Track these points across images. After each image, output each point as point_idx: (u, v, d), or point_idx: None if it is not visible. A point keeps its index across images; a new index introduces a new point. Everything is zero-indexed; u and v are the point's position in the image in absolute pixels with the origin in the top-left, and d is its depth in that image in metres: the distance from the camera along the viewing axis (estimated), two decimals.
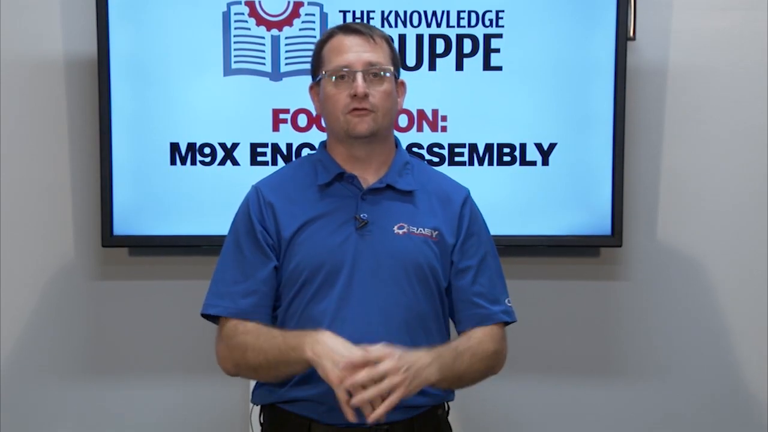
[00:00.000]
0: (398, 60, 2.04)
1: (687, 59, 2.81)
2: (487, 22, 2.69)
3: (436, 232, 1.98)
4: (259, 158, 2.72)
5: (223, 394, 2.86)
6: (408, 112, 2.71)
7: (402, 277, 1.94)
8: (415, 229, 1.97)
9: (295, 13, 2.69)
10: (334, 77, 1.94)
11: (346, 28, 2.00)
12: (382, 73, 1.94)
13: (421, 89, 2.66)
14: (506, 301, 2.04)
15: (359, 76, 1.92)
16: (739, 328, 2.88)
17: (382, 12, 2.68)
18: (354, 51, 1.94)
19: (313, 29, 2.68)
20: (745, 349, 2.89)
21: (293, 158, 2.70)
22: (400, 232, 1.96)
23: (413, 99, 2.59)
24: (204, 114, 2.70)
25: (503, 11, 2.68)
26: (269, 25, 2.69)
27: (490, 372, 2.01)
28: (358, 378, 1.75)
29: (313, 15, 2.69)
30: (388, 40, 2.01)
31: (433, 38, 2.70)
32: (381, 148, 2.00)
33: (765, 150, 2.83)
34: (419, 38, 2.69)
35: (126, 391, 2.88)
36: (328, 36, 2.00)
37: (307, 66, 2.11)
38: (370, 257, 1.93)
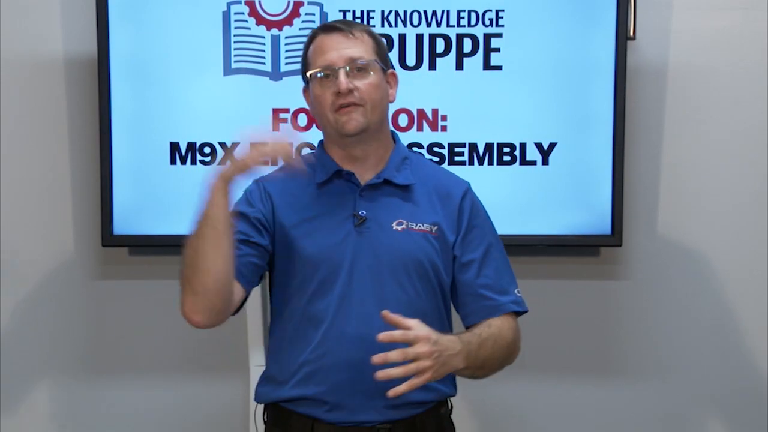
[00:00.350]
0: (385, 51, 2.02)
1: (687, 59, 2.81)
2: (487, 22, 2.68)
3: (436, 227, 1.97)
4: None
5: (225, 392, 2.86)
6: (408, 112, 2.71)
7: (402, 274, 1.94)
8: (414, 224, 1.96)
9: (295, 13, 2.69)
10: (319, 77, 1.94)
11: (325, 27, 1.99)
12: (365, 65, 1.93)
13: (421, 89, 2.66)
14: (515, 291, 2.02)
15: (341, 73, 1.91)
16: (739, 327, 2.88)
17: (382, 11, 2.68)
18: (335, 49, 1.93)
19: (313, 29, 2.67)
20: (746, 348, 2.89)
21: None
22: (399, 228, 1.96)
23: (413, 98, 2.60)
24: (204, 113, 2.70)
25: (503, 11, 2.68)
26: (269, 25, 2.69)
27: (506, 362, 1.99)
28: (390, 356, 1.73)
29: (313, 14, 2.69)
30: (371, 32, 2.00)
31: (433, 38, 2.69)
32: (377, 144, 2.00)
33: (765, 149, 2.83)
34: (419, 38, 2.69)
35: (126, 391, 2.88)
36: (311, 38, 2.00)
37: None
38: (370, 254, 1.92)
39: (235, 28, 2.68)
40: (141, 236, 2.72)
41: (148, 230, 2.71)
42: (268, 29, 2.69)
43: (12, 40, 2.78)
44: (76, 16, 2.76)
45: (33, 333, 2.86)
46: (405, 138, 2.64)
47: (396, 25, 2.69)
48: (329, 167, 1.99)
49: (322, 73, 1.94)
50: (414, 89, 2.59)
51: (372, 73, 1.94)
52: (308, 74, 1.97)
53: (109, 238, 2.70)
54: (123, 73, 2.68)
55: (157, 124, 2.70)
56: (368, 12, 2.68)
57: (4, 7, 2.78)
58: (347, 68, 1.92)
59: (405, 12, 2.68)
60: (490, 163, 2.72)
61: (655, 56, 2.81)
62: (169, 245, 2.77)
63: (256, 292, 2.74)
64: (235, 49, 2.69)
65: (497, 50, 2.69)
